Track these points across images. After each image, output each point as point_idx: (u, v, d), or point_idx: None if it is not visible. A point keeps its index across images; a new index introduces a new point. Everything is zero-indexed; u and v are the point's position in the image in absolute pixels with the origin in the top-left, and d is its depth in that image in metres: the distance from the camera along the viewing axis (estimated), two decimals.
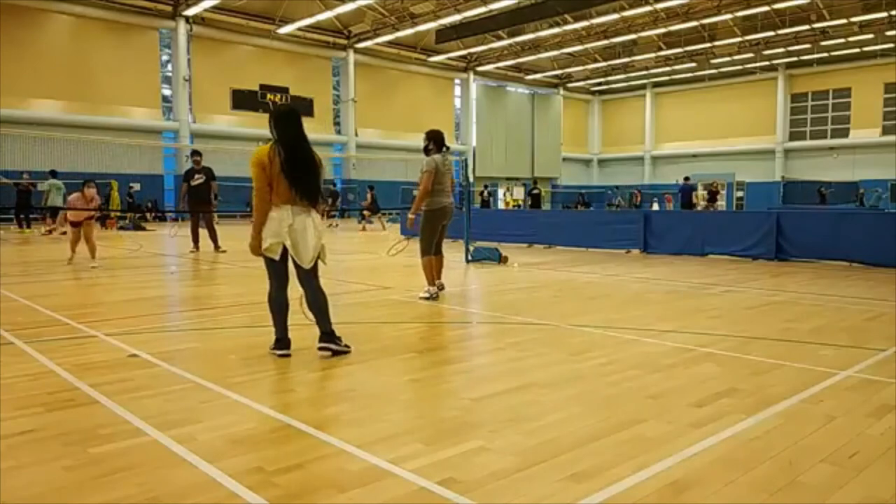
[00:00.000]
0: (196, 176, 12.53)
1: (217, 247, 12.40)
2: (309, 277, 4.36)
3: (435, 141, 7.00)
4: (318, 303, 4.37)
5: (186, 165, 29.38)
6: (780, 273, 9.46)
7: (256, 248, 4.29)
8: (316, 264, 4.36)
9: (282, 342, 4.37)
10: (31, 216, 19.87)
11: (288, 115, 4.38)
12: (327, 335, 4.34)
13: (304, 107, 31.97)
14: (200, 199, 12.66)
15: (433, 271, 7.08)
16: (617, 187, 42.47)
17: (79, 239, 10.09)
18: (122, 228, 21.35)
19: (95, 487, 2.40)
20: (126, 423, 3.07)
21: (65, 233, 17.94)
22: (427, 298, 6.90)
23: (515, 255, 11.47)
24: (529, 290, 7.89)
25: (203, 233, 12.68)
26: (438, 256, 7.17)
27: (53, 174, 18.49)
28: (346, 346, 4.41)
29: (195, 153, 12.97)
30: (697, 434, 2.94)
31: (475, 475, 2.49)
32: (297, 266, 4.32)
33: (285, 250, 4.26)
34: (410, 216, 7.29)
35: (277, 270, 4.35)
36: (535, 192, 25.46)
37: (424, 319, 5.88)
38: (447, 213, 7.08)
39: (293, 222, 4.20)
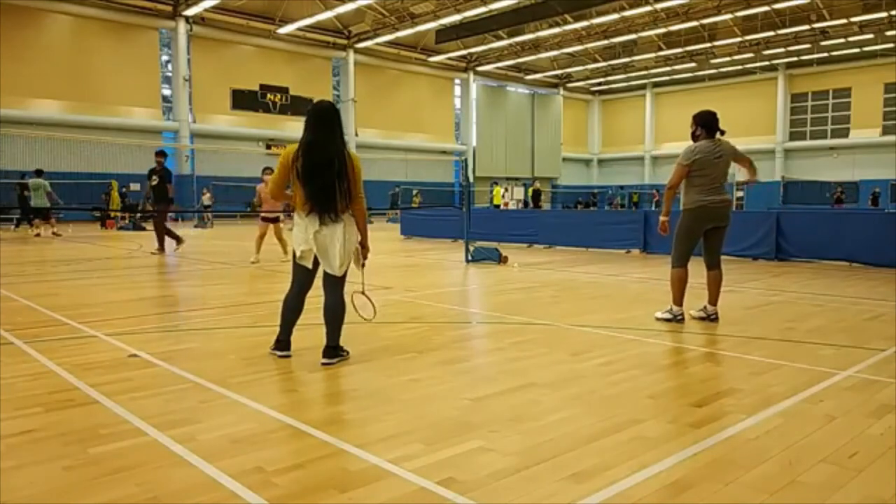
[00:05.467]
0: (153, 177, 12.25)
1: (160, 249, 12.12)
2: (333, 284, 4.21)
3: (704, 125, 5.58)
4: (333, 311, 4.21)
5: (186, 165, 29.60)
6: (780, 273, 9.46)
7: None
8: (344, 275, 4.21)
9: (282, 343, 4.34)
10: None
11: (315, 115, 4.08)
12: (331, 349, 4.22)
13: (304, 107, 31.94)
14: (158, 199, 12.42)
15: (683, 287, 5.64)
16: (621, 187, 42.49)
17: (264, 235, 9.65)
18: (121, 228, 21.39)
19: (95, 487, 2.40)
20: (126, 423, 3.07)
21: (56, 234, 17.83)
22: (667, 320, 5.62)
23: (516, 256, 11.47)
24: (529, 290, 7.89)
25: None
26: (713, 272, 5.73)
27: (39, 173, 17.47)
28: (345, 351, 4.34)
29: (160, 153, 12.69)
30: (697, 434, 2.94)
31: (475, 475, 2.49)
32: (325, 272, 4.21)
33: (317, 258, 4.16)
34: (663, 218, 5.78)
35: (301, 275, 4.27)
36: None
37: (424, 319, 5.87)
38: (712, 213, 5.56)
39: (319, 229, 4.07)
